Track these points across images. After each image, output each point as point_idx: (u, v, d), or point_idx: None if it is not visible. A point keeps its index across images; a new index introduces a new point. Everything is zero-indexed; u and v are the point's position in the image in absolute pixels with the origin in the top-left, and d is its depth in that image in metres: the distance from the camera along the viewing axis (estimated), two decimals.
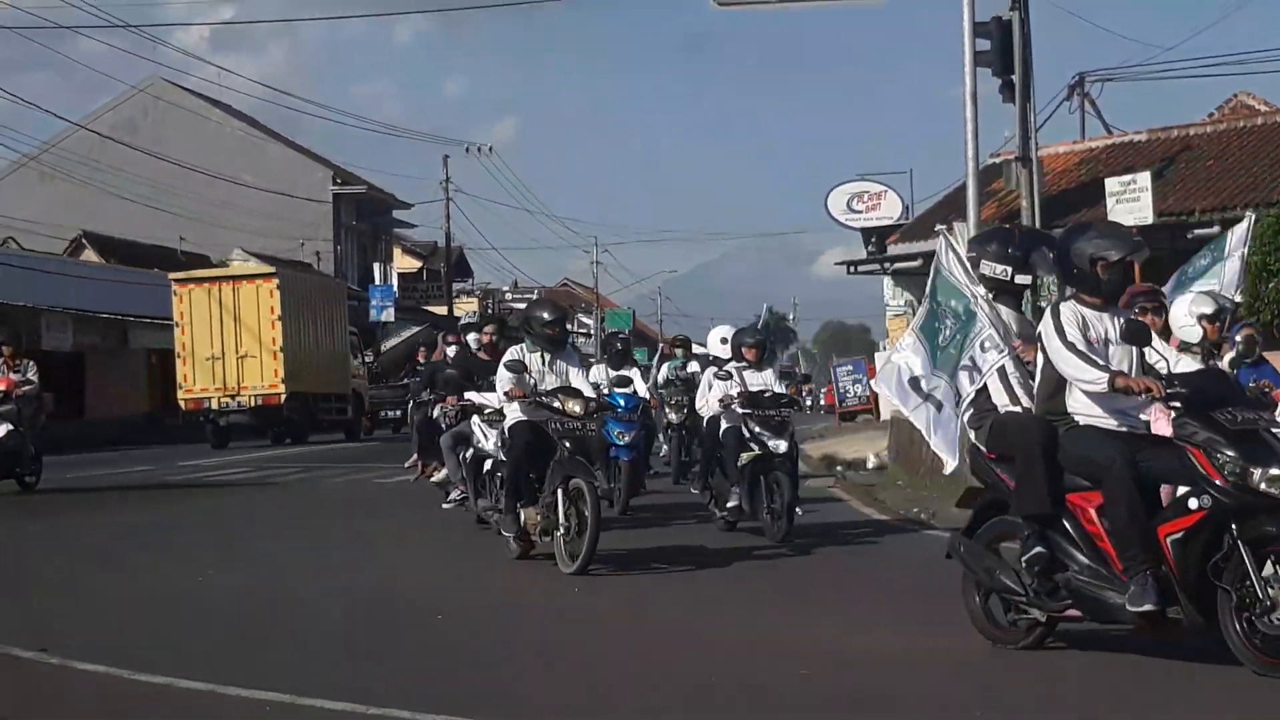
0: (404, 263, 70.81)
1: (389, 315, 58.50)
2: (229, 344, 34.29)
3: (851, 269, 39.23)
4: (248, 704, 7.29)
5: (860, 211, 39.28)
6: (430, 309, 67.62)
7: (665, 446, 21.27)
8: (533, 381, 12.23)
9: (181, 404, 35.27)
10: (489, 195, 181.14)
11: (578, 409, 11.89)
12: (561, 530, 11.61)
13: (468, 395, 14.89)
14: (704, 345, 19.55)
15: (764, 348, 15.08)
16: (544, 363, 12.39)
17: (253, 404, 34.26)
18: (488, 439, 13.87)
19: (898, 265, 36.47)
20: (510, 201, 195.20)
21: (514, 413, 12.27)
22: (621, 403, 16.19)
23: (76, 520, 17.04)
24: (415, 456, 19.21)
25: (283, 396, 34.15)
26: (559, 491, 11.65)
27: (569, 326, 13.25)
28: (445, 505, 16.27)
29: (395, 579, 12.07)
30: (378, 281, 60.22)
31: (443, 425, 16.04)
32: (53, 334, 39.30)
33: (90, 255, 47.34)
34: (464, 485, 14.97)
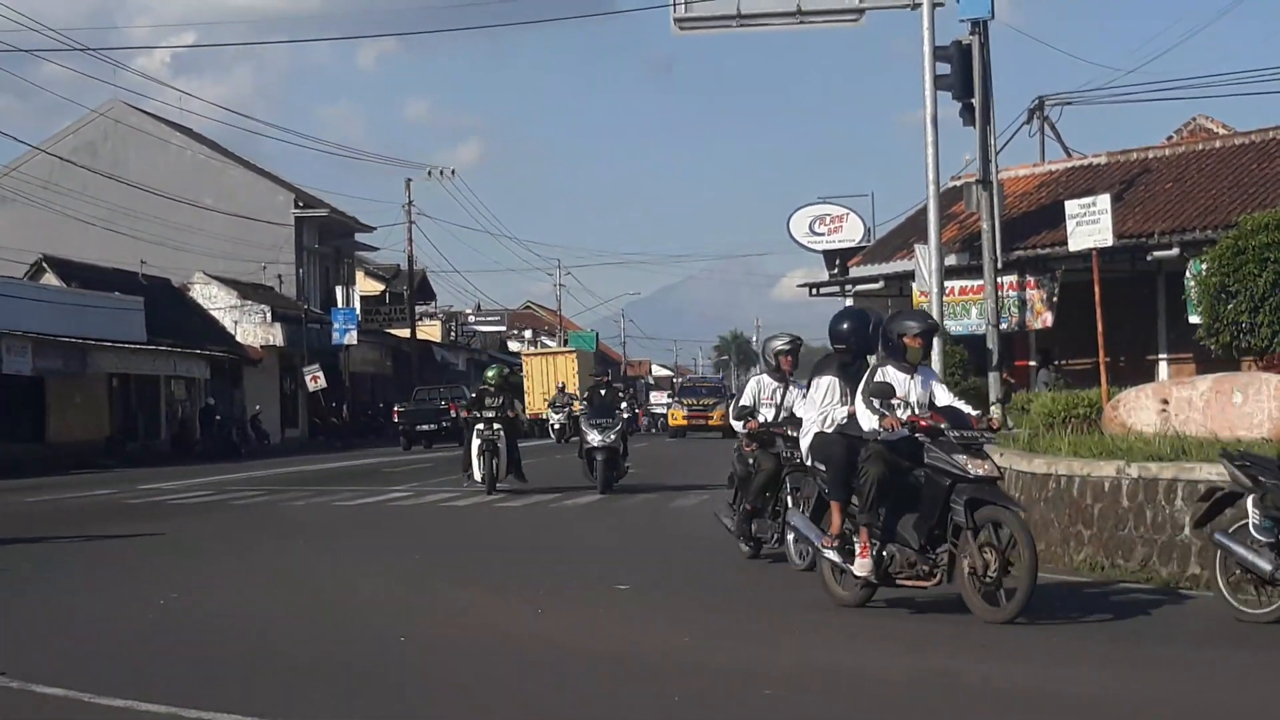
0: (366, 286, 70.68)
1: (351, 339, 58.47)
2: (551, 386, 57.81)
3: (813, 291, 39.37)
4: None
5: (822, 234, 39.44)
6: (393, 332, 67.59)
7: None
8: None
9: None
10: (452, 218, 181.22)
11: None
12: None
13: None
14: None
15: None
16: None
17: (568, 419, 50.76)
18: None
19: (859, 287, 36.59)
20: (473, 224, 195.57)
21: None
22: None
23: (38, 542, 16.89)
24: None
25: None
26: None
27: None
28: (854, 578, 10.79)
29: (372, 601, 12.03)
30: (340, 305, 60.10)
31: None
32: (12, 358, 39.01)
33: (51, 279, 47.04)
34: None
